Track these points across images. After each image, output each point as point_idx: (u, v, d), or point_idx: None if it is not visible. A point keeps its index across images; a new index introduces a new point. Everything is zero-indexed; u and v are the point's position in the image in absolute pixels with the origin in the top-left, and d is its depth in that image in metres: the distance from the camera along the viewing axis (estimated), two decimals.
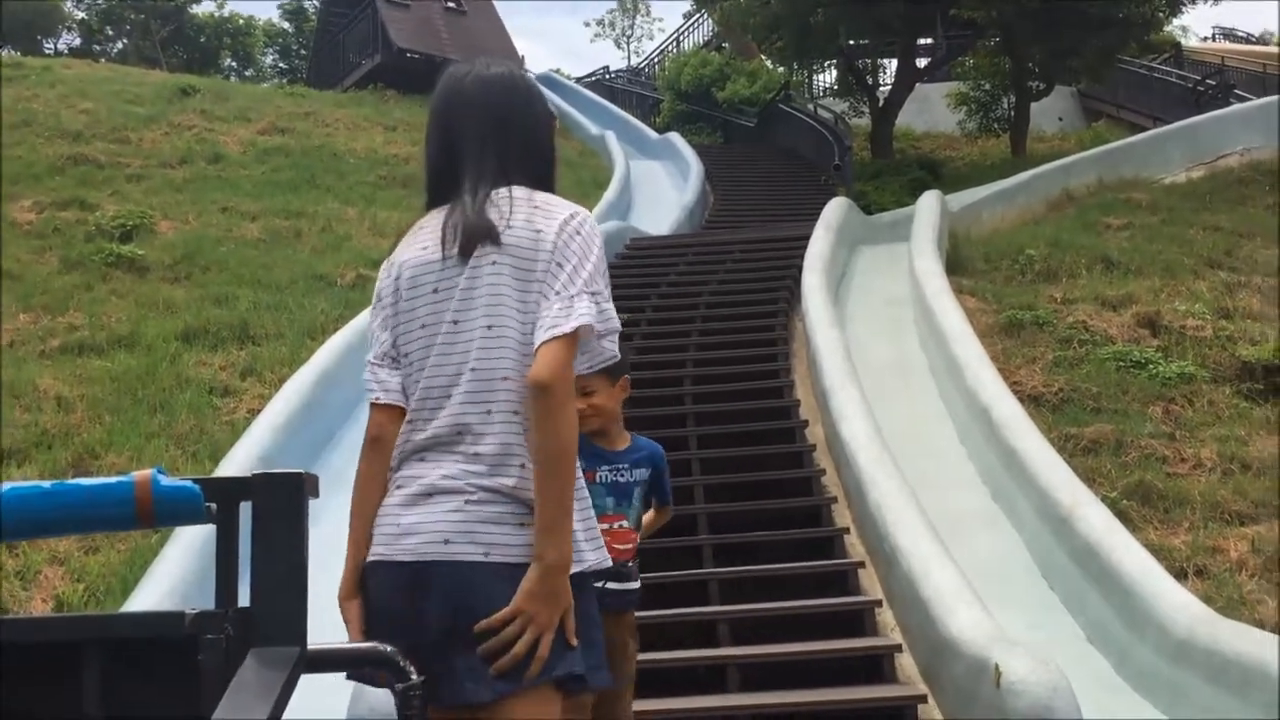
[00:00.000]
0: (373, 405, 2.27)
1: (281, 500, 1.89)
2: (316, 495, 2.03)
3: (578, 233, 2.20)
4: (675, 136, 21.52)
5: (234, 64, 41.41)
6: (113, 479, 1.88)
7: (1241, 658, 4.53)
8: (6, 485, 1.81)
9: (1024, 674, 4.33)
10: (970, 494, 7.14)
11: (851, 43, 22.45)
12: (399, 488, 2.18)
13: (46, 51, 36.75)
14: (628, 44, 40.08)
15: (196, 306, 10.60)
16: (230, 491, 1.92)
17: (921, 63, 23.09)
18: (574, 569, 2.08)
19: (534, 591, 2.01)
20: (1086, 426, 7.88)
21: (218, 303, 10.81)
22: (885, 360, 9.32)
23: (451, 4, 25.85)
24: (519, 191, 2.25)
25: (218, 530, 1.94)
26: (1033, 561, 6.35)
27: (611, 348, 2.20)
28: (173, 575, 5.51)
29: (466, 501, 2.08)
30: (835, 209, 12.19)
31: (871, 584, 6.10)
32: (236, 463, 6.64)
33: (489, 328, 2.15)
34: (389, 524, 2.16)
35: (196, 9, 39.75)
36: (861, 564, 6.05)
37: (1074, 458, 7.44)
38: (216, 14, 40.34)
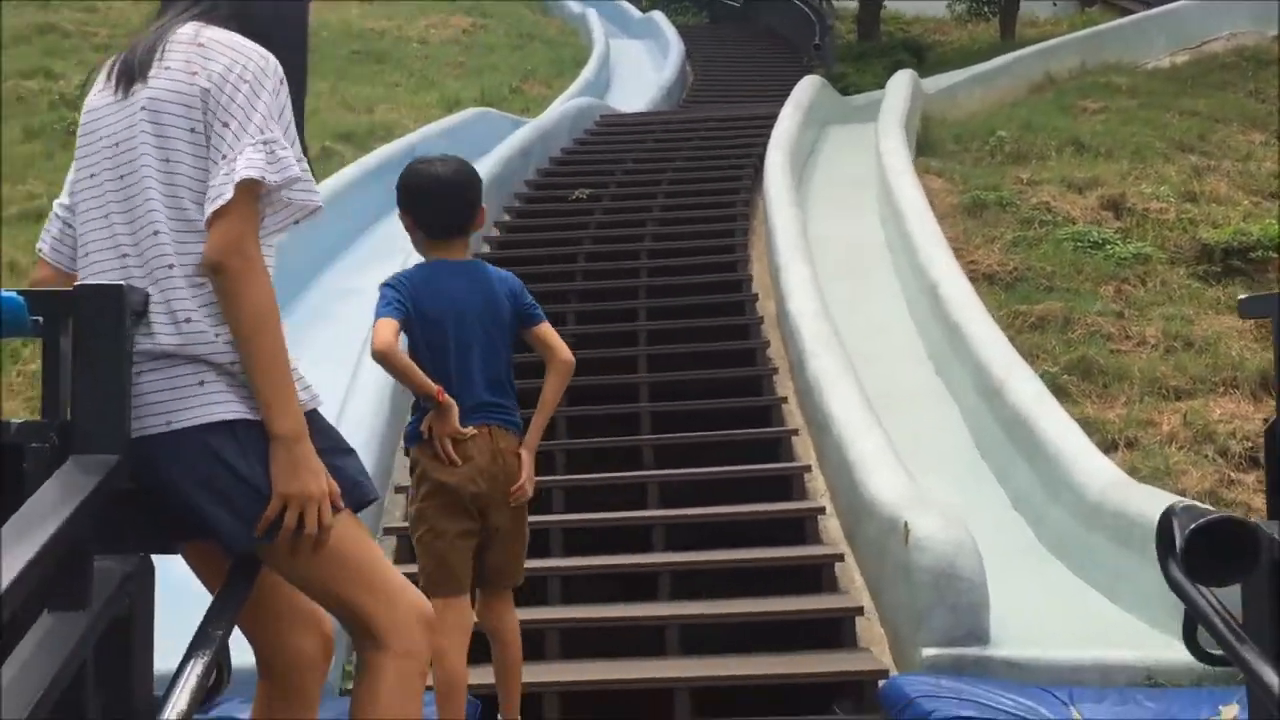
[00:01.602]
0: (39, 256, 2.20)
1: (104, 314, 1.92)
2: (144, 312, 2.06)
3: (243, 80, 1.97)
4: (658, 15, 21.13)
5: None
6: None
7: (1146, 518, 4.63)
8: None
9: (931, 531, 4.43)
10: (915, 369, 7.21)
11: None
12: None
13: None
14: None
15: None
16: (56, 305, 1.96)
17: None
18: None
19: (283, 469, 1.93)
20: (1036, 304, 7.92)
21: None
22: (845, 238, 9.31)
23: None
24: (188, 28, 2.04)
25: (44, 342, 1.98)
26: (968, 433, 6.44)
27: (304, 197, 2.00)
28: None
29: (137, 373, 1.96)
30: (805, 88, 12.05)
31: (807, 452, 6.20)
32: None
33: (135, 182, 2.01)
34: None
35: None
36: (795, 432, 6.15)
37: (1020, 334, 7.50)
38: None
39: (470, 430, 3.25)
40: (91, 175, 2.09)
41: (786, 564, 5.13)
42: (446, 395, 3.21)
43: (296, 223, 2.07)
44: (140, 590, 1.94)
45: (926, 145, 11.95)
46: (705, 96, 17.18)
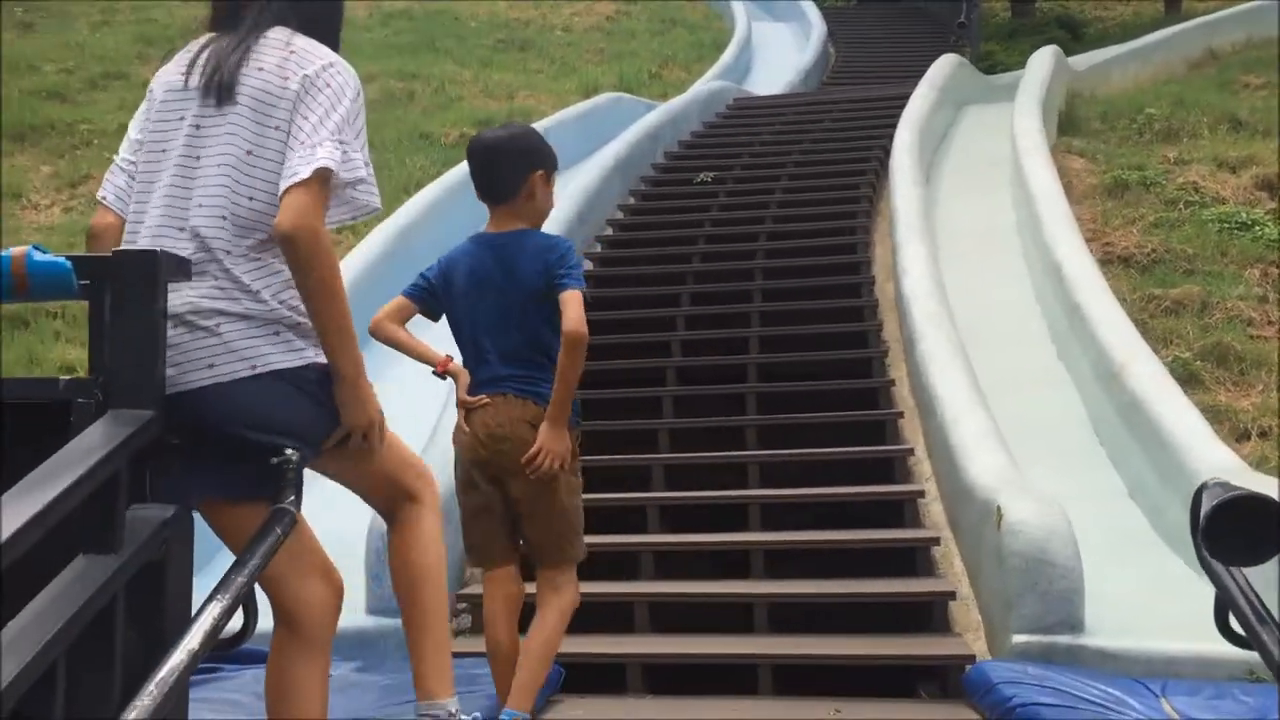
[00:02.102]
0: (100, 203, 2.39)
1: (139, 277, 2.05)
2: (189, 276, 2.19)
3: (328, 84, 2.24)
4: None
5: None
6: None
7: None
8: None
9: (1024, 516, 4.32)
10: (1036, 351, 7.01)
11: None
12: None
13: None
14: None
15: None
16: (99, 268, 2.09)
17: None
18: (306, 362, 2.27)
19: (349, 403, 2.27)
20: (1173, 288, 7.59)
21: None
22: (975, 218, 9.10)
23: None
24: (280, 34, 2.31)
25: (90, 304, 2.12)
26: (1086, 418, 6.24)
27: (365, 197, 2.27)
28: None
29: (219, 326, 2.21)
30: (941, 67, 11.77)
31: (915, 435, 6.10)
32: None
33: (220, 167, 2.24)
34: None
35: None
36: (901, 414, 6.05)
37: (1154, 318, 7.21)
38: None
39: (482, 398, 3.20)
40: (163, 150, 2.32)
41: (881, 546, 5.06)
42: (454, 364, 3.25)
43: (354, 219, 2.39)
44: (176, 537, 2.06)
45: (1071, 124, 11.55)
46: (846, 78, 16.95)
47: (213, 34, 2.37)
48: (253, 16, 2.33)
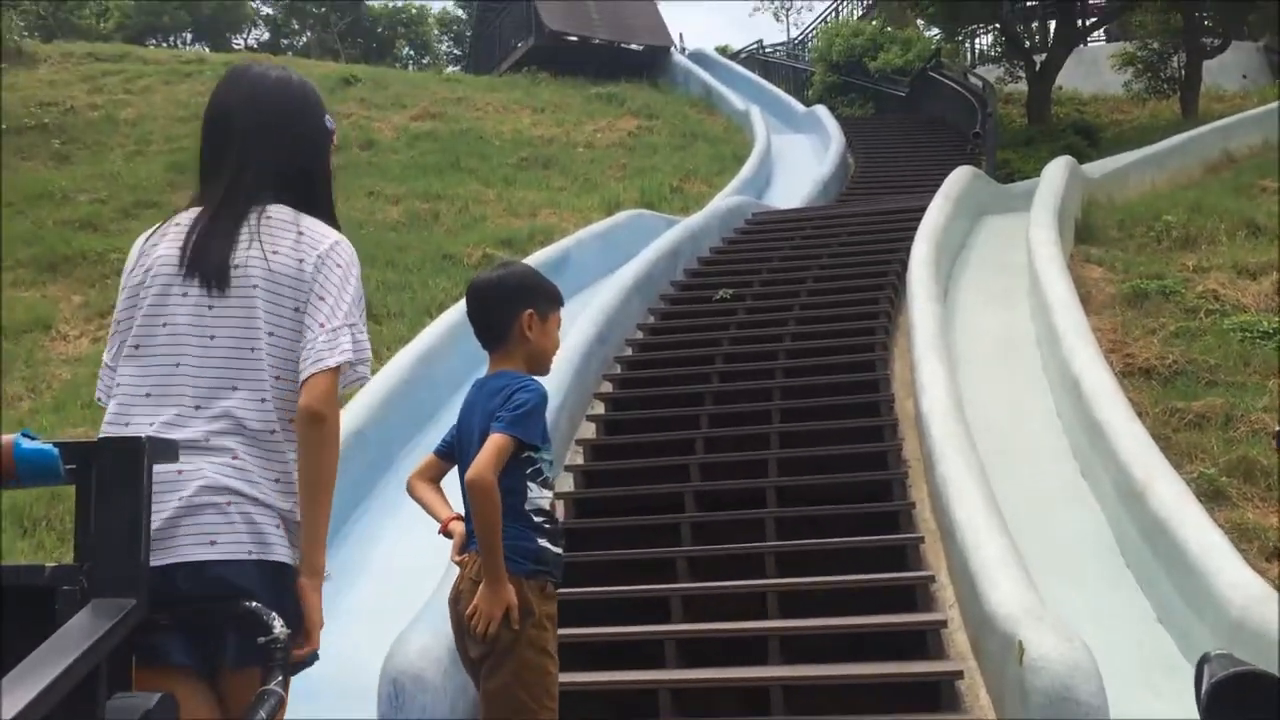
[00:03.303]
0: (100, 405, 2.38)
1: (123, 464, 2.06)
2: (175, 459, 2.20)
3: (337, 265, 2.31)
4: (820, 109, 21.26)
5: (411, 52, 42.78)
6: None
7: None
8: None
9: (1046, 650, 4.23)
10: (1059, 468, 6.93)
11: (1006, 6, 21.67)
12: None
13: (235, 47, 38.79)
14: (786, 16, 39.63)
15: None
16: (86, 454, 2.11)
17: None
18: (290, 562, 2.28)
19: (317, 603, 2.28)
20: (1196, 400, 7.51)
21: None
22: (994, 331, 9.09)
23: None
24: (283, 213, 2.34)
25: (77, 489, 2.13)
26: (1112, 538, 6.14)
27: (362, 370, 2.33)
28: None
29: (230, 504, 2.23)
30: (957, 178, 11.88)
31: (937, 559, 6.01)
32: None
33: (251, 349, 2.27)
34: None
35: (372, 1, 41.25)
36: (922, 539, 5.97)
37: (1177, 432, 7.13)
38: (390, 5, 41.73)
39: (464, 557, 3.05)
40: (164, 326, 2.32)
41: (905, 681, 4.95)
42: (455, 524, 3.10)
43: (343, 389, 2.39)
44: None
45: (1088, 232, 11.59)
46: (865, 188, 17.12)
47: (205, 208, 2.37)
48: (247, 192, 2.34)
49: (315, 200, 2.43)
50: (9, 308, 10.66)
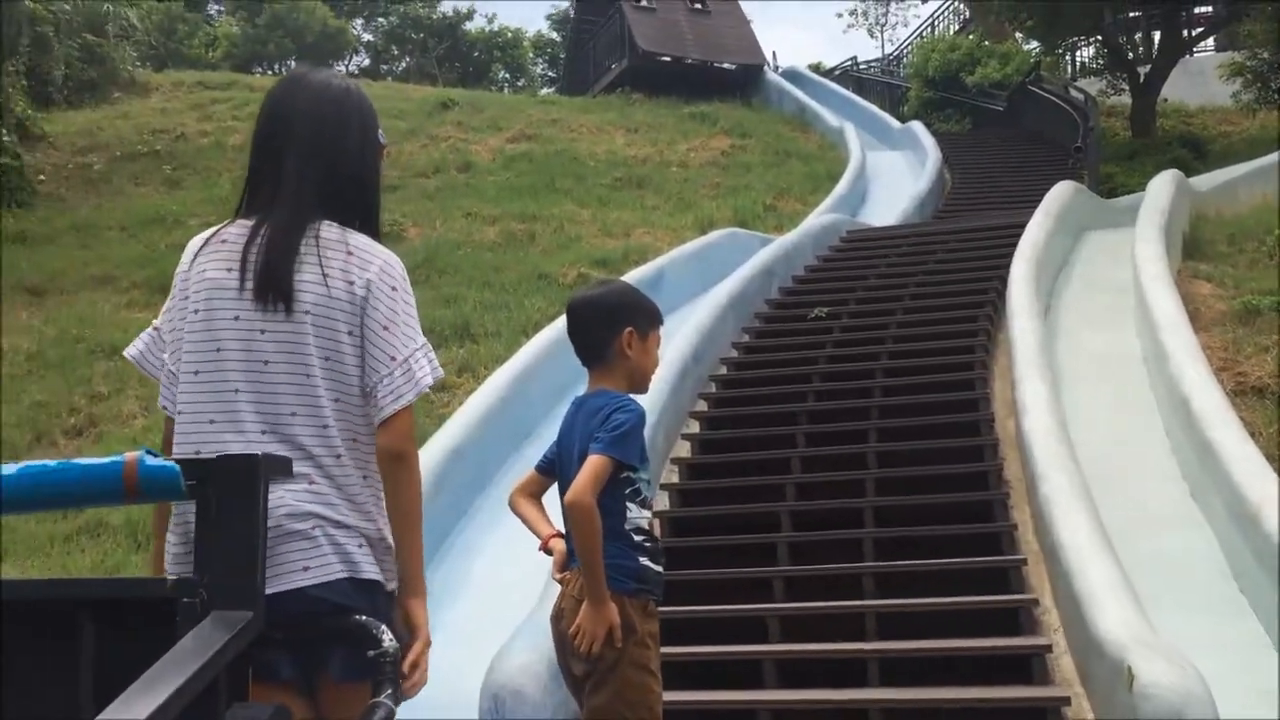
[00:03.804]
0: (169, 418, 2.36)
1: (239, 480, 2.13)
2: (290, 474, 2.27)
3: (392, 288, 2.28)
4: (916, 125, 21.05)
5: (506, 75, 43.39)
6: (106, 459, 2.18)
7: None
8: (17, 465, 2.13)
9: (1157, 677, 4.12)
10: (1168, 489, 6.74)
11: (1108, 16, 21.25)
12: None
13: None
14: (880, 32, 39.34)
15: (426, 308, 11.30)
16: (204, 471, 2.19)
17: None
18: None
19: (424, 621, 2.34)
20: None
21: (446, 303, 11.52)
22: (1099, 350, 8.89)
23: (697, 5, 26.21)
24: (333, 231, 2.29)
25: (196, 505, 2.20)
26: (1225, 562, 5.95)
27: (427, 386, 2.31)
28: None
29: (315, 528, 2.25)
30: (1057, 194, 11.66)
31: (1041, 582, 5.89)
32: (429, 454, 7.09)
33: (307, 375, 2.25)
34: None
35: (469, 26, 41.93)
36: (1024, 561, 5.85)
37: None
38: (487, 29, 42.38)
39: (562, 574, 3.09)
40: (218, 350, 2.29)
41: (1010, 707, 4.85)
42: (555, 541, 3.12)
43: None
44: None
45: (1196, 248, 11.31)
46: (962, 205, 16.90)
47: (253, 223, 2.32)
48: (303, 207, 2.30)
49: (366, 212, 2.40)
50: (124, 328, 11.04)
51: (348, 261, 2.28)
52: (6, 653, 2.02)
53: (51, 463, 2.15)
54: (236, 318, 2.28)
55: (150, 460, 2.14)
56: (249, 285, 2.27)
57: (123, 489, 2.13)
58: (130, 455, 2.15)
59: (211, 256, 2.34)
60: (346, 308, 2.27)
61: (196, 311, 2.31)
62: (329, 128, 2.35)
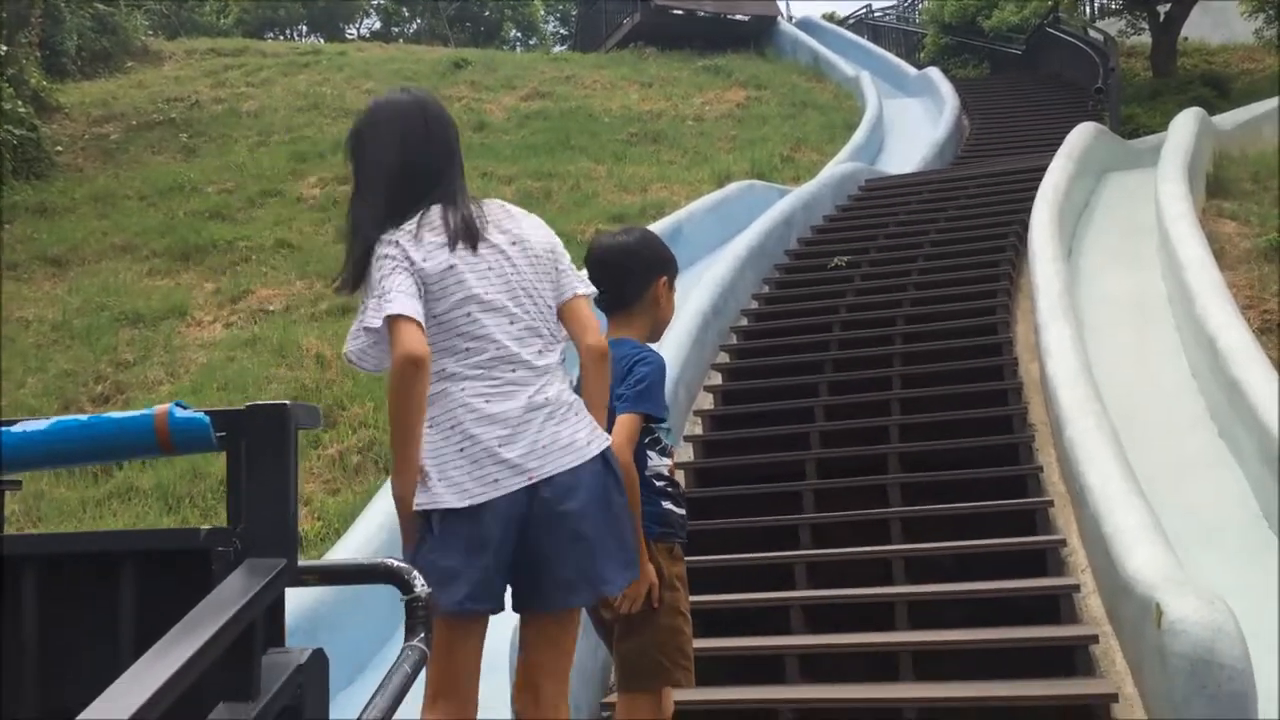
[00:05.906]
0: (412, 320, 2.57)
1: (271, 429, 2.15)
2: (318, 423, 2.28)
3: (547, 226, 2.83)
4: (933, 72, 20.82)
5: (518, 34, 43.08)
6: (136, 412, 2.20)
7: None
8: (49, 420, 2.15)
9: (1186, 614, 4.10)
10: (1195, 431, 6.71)
11: None
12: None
13: (349, 37, 39.56)
14: None
15: None
16: (235, 421, 2.20)
17: None
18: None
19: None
20: None
21: None
22: (1122, 292, 8.83)
23: None
24: (491, 202, 2.81)
25: (228, 455, 2.22)
26: (1254, 503, 5.93)
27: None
28: (375, 521, 5.98)
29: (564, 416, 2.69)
30: (1078, 136, 11.53)
31: (1067, 523, 5.88)
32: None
33: (533, 297, 2.70)
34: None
35: None
36: (1051, 503, 5.85)
37: None
38: None
39: None
40: (470, 291, 2.66)
41: (1037, 645, 4.86)
42: None
43: None
44: (311, 680, 2.12)
45: (1220, 186, 11.18)
46: (981, 150, 16.73)
47: (440, 206, 2.71)
48: (461, 189, 2.77)
49: None
50: (147, 295, 11.07)
51: (522, 216, 2.85)
52: (51, 604, 2.06)
53: (84, 416, 2.17)
54: (484, 262, 2.77)
55: (180, 412, 2.16)
56: (468, 243, 2.74)
57: (155, 441, 2.16)
58: (160, 408, 2.17)
59: (430, 237, 2.75)
60: (549, 248, 2.80)
61: (436, 269, 2.76)
62: (455, 141, 2.89)
